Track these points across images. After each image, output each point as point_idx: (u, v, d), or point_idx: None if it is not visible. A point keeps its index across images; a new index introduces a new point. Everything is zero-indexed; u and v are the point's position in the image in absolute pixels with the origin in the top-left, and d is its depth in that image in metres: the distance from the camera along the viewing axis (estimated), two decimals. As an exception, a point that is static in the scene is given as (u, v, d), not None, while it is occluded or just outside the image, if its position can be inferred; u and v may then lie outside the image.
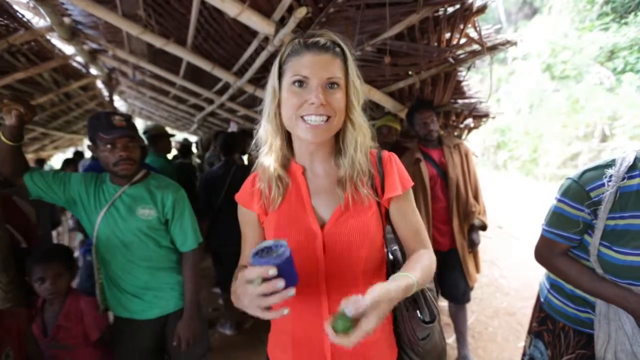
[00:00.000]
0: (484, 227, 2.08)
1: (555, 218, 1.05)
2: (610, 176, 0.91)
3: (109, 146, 1.26)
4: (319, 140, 0.72)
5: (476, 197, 2.08)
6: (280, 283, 0.56)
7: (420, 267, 0.70)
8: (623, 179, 0.91)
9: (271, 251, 0.62)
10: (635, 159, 0.91)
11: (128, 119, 1.33)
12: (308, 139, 0.71)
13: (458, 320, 2.18)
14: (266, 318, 0.59)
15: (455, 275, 2.07)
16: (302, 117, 0.69)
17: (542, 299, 1.26)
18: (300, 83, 0.69)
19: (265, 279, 0.56)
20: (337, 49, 0.71)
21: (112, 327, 1.46)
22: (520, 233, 4.92)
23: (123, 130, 1.26)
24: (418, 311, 0.77)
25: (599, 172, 0.95)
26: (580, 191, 0.97)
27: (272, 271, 0.56)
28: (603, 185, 0.93)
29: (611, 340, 0.99)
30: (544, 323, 1.24)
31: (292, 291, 0.57)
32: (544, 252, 1.11)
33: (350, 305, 0.55)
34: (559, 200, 1.04)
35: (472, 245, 2.07)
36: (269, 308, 0.58)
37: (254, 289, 0.56)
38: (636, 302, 0.91)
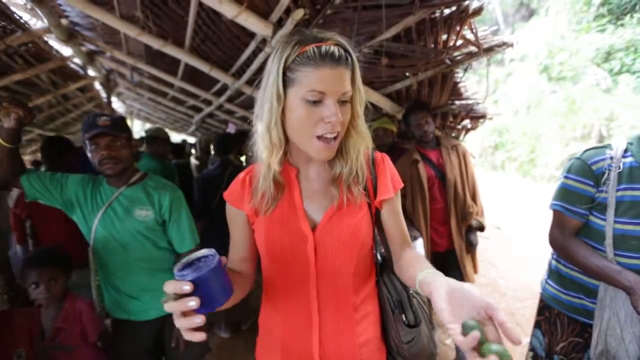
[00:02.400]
0: (481, 228, 2.09)
1: (562, 193, 1.15)
2: (611, 157, 1.06)
3: (93, 146, 1.25)
4: (329, 158, 0.71)
5: (474, 198, 2.09)
6: (191, 302, 0.50)
7: (428, 266, 0.69)
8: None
9: (200, 261, 0.56)
10: (627, 143, 1.08)
11: (116, 119, 1.31)
12: (320, 158, 0.70)
13: None
14: (186, 337, 0.53)
15: (453, 276, 2.07)
16: (317, 136, 0.66)
17: (541, 290, 1.32)
18: (316, 99, 0.65)
19: (182, 295, 0.51)
20: (349, 60, 0.67)
21: (110, 329, 1.46)
22: (518, 234, 4.94)
23: (104, 128, 1.25)
24: (403, 315, 0.78)
25: (598, 150, 1.11)
26: (583, 166, 1.10)
27: (186, 287, 0.51)
28: (603, 160, 1.07)
29: (603, 324, 1.04)
30: (542, 313, 1.30)
31: (199, 319, 0.51)
32: (556, 234, 1.18)
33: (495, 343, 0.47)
34: (565, 177, 1.15)
35: (470, 246, 2.07)
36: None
37: (167, 305, 0.52)
38: (635, 280, 0.96)
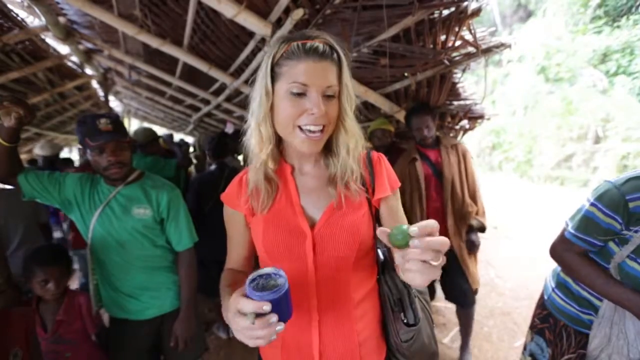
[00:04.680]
0: (482, 229, 2.07)
1: (584, 223, 1.01)
2: None
3: (97, 151, 1.25)
4: (314, 152, 0.72)
5: (474, 198, 2.08)
6: (273, 318, 0.55)
7: None
8: None
9: (269, 279, 0.61)
10: None
11: (115, 120, 1.30)
12: (304, 150, 0.71)
13: (461, 323, 2.19)
14: (255, 345, 0.58)
15: (457, 278, 2.09)
16: (299, 126, 0.68)
17: (545, 297, 1.26)
18: (298, 90, 0.66)
19: (259, 314, 0.56)
20: (334, 55, 0.69)
21: (108, 328, 1.46)
22: (515, 233, 4.97)
23: (109, 134, 1.25)
24: (402, 313, 0.78)
25: None
26: (618, 198, 0.93)
27: (267, 307, 0.55)
28: None
29: (611, 342, 1.00)
30: (546, 321, 1.25)
31: (281, 326, 0.57)
32: (560, 250, 1.10)
33: (415, 226, 0.52)
34: (592, 205, 1.00)
35: (472, 247, 2.04)
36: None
37: (244, 323, 0.56)
38: None
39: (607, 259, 1.02)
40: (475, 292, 2.07)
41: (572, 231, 1.05)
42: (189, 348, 1.42)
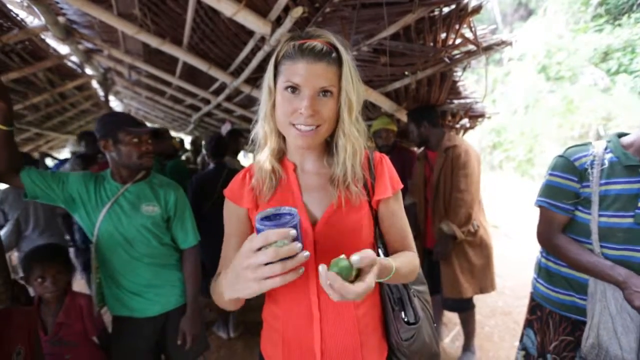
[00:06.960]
0: (453, 236, 1.92)
1: (548, 190, 1.18)
2: (594, 154, 1.11)
3: (135, 140, 1.31)
4: (308, 147, 0.73)
5: (450, 203, 1.95)
6: (298, 244, 0.52)
7: (401, 259, 0.70)
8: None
9: (280, 217, 0.57)
10: (606, 142, 1.13)
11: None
12: (298, 144, 0.72)
13: (462, 325, 2.22)
14: (281, 283, 0.52)
15: (435, 277, 2.10)
16: (292, 124, 0.70)
17: (532, 290, 1.34)
18: (293, 90, 0.68)
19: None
20: (334, 55, 0.69)
21: (111, 327, 1.46)
22: (516, 233, 4.96)
23: (147, 126, 1.37)
24: (403, 312, 0.78)
25: (580, 147, 1.16)
26: (567, 162, 1.15)
27: (293, 232, 0.52)
28: (585, 156, 1.12)
29: (595, 318, 1.06)
30: (534, 312, 1.32)
31: (307, 253, 0.53)
32: (544, 231, 1.20)
33: (358, 255, 0.55)
34: (550, 175, 1.19)
35: (435, 255, 1.97)
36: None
37: (265, 256, 0.50)
38: (626, 275, 0.98)
39: (585, 234, 1.10)
40: (452, 299, 2.04)
41: (541, 198, 1.20)
42: (191, 346, 1.43)
